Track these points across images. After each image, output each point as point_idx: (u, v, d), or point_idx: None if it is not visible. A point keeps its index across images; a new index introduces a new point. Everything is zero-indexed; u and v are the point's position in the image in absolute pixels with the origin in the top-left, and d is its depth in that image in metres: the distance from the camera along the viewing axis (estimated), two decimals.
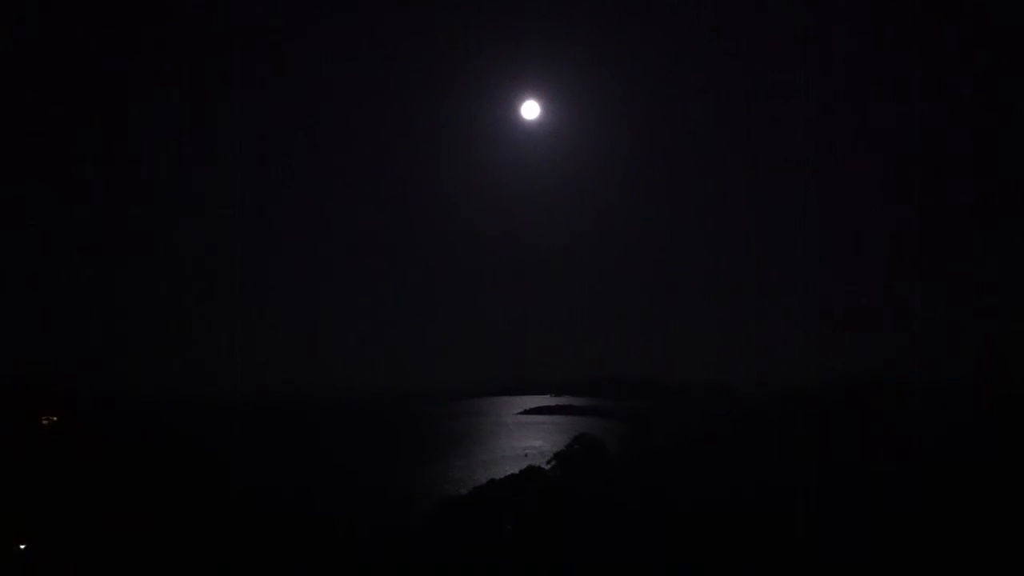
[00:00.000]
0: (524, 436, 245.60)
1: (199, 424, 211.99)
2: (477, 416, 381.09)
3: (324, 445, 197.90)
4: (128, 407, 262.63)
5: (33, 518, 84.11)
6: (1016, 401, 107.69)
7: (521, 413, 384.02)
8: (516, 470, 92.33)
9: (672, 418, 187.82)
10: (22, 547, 74.00)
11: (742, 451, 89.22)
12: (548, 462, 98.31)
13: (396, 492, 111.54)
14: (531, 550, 53.90)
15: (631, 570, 49.57)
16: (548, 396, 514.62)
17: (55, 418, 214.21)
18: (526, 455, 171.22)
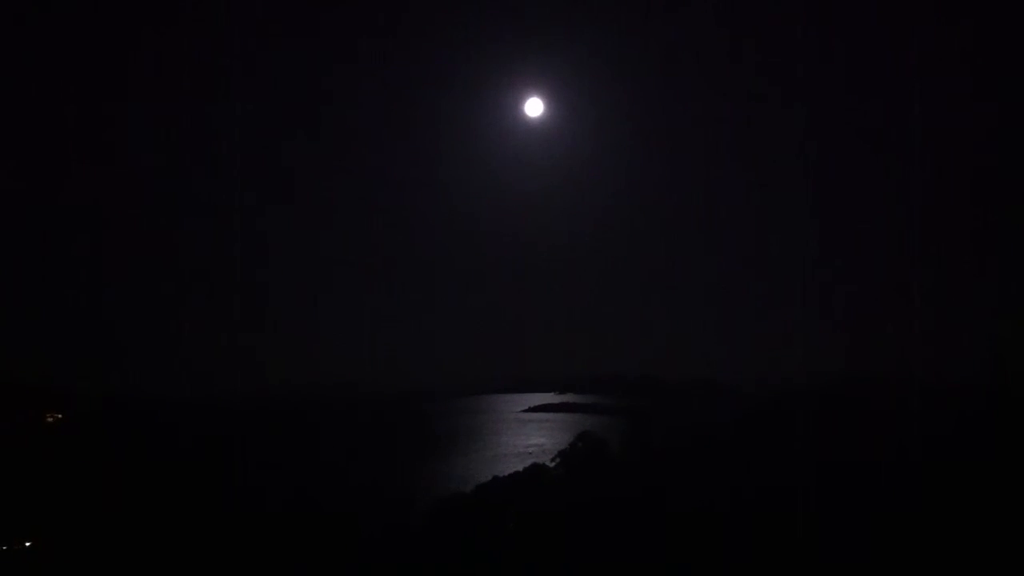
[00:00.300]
0: (528, 434, 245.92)
1: (199, 424, 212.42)
2: (481, 414, 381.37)
3: (326, 444, 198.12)
4: (128, 407, 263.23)
5: (37, 516, 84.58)
6: (1016, 401, 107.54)
7: (524, 411, 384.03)
8: (520, 467, 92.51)
9: (672, 416, 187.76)
10: (27, 544, 74.38)
11: (742, 451, 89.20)
12: (552, 460, 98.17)
13: (399, 490, 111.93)
14: (533, 549, 54.07)
15: (632, 570, 49.74)
16: (552, 394, 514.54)
17: (59, 415, 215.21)
18: (530, 452, 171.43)
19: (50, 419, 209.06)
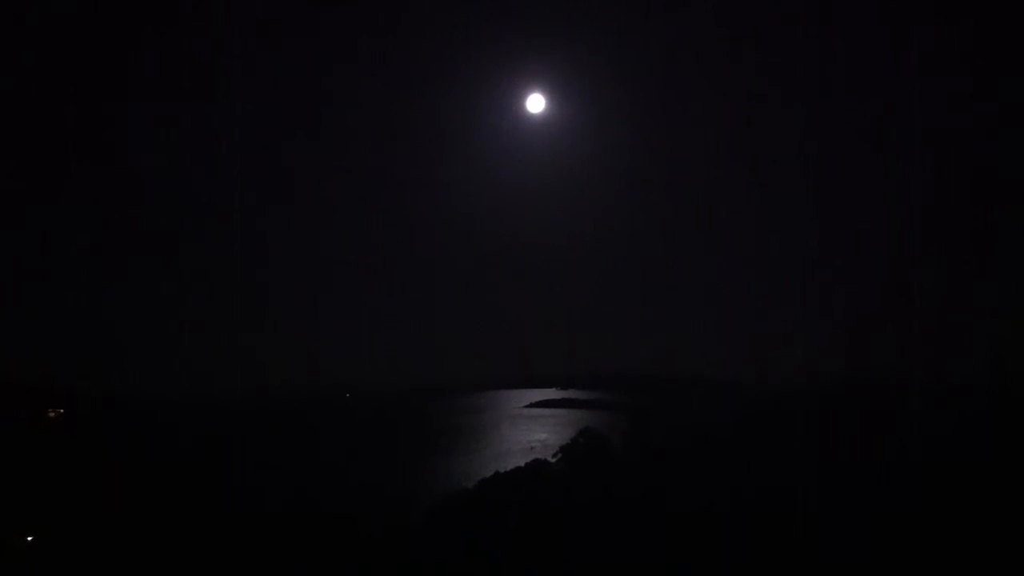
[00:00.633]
0: (530, 429, 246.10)
1: (199, 423, 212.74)
2: (483, 410, 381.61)
3: (327, 443, 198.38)
4: (129, 406, 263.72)
5: (39, 512, 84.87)
6: (1016, 401, 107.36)
7: (527, 406, 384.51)
8: (523, 463, 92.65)
9: (673, 414, 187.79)
10: (28, 540, 74.66)
11: (742, 450, 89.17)
12: (554, 455, 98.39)
13: (401, 487, 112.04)
14: (534, 549, 54.12)
15: (632, 570, 49.79)
16: (553, 389, 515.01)
17: (61, 411, 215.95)
18: (532, 448, 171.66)
19: (52, 414, 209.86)
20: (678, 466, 79.64)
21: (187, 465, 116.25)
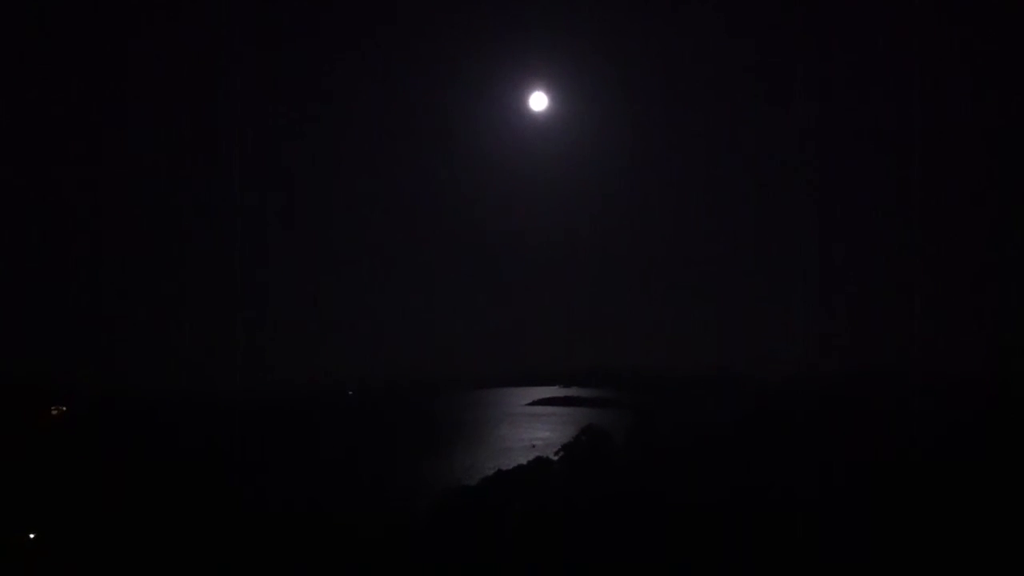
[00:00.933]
0: (532, 427, 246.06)
1: (200, 421, 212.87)
2: (486, 407, 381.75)
3: (329, 440, 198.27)
4: (130, 404, 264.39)
5: (41, 509, 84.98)
6: (1017, 400, 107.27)
7: (530, 404, 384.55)
8: (524, 460, 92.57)
9: (676, 412, 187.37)
10: (31, 536, 74.75)
11: (743, 450, 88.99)
12: (556, 453, 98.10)
13: (405, 484, 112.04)
14: (535, 550, 53.98)
15: (633, 570, 49.67)
16: (556, 387, 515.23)
17: (64, 408, 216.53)
18: (534, 446, 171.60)
19: (55, 412, 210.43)
20: (679, 466, 79.43)
21: (187, 464, 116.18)
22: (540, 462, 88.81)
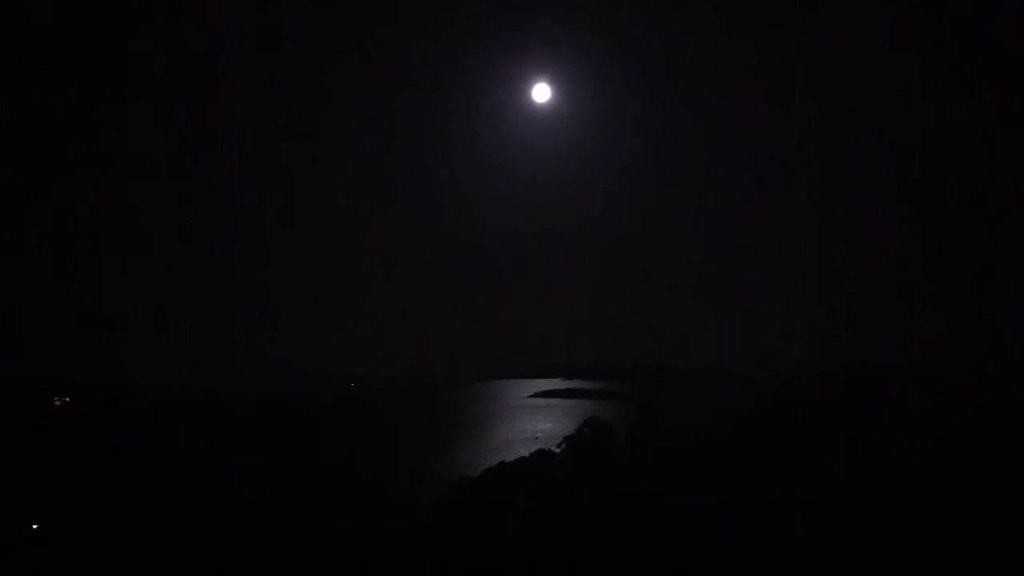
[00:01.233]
0: (534, 419, 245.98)
1: (201, 419, 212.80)
2: (487, 400, 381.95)
3: (330, 434, 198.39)
4: (131, 401, 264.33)
5: (44, 501, 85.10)
6: (1017, 400, 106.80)
7: (531, 396, 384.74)
8: (526, 453, 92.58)
9: (678, 407, 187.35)
10: (34, 527, 74.88)
11: (743, 450, 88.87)
12: (558, 445, 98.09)
13: (407, 478, 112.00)
14: (535, 549, 53.82)
15: (634, 569, 49.49)
16: (559, 379, 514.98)
17: (67, 399, 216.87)
18: (536, 438, 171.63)
19: (58, 402, 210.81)
20: (680, 465, 79.34)
21: (187, 462, 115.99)
22: (543, 454, 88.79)
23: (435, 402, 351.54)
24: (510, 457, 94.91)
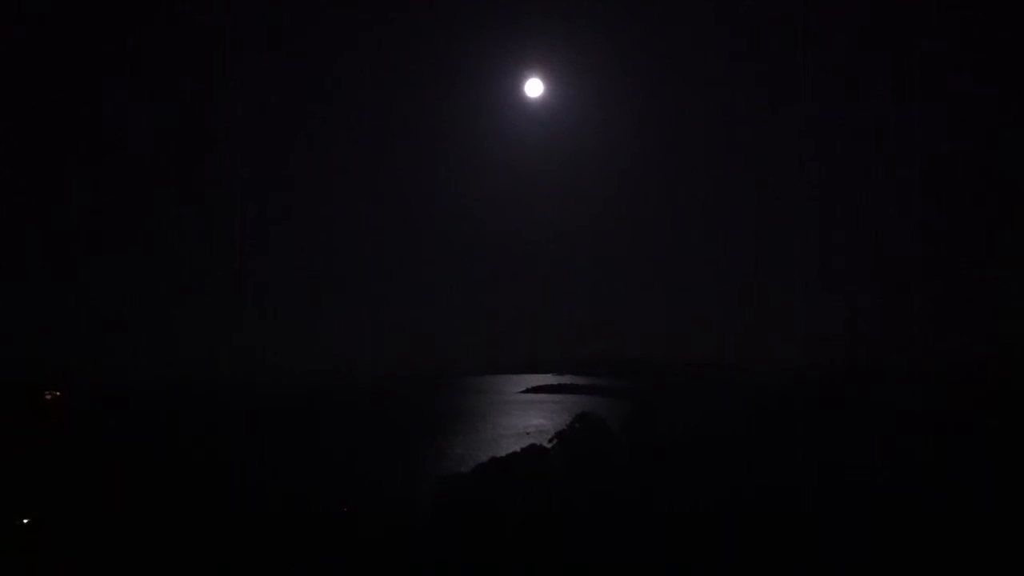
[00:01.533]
0: (527, 414, 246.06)
1: (200, 416, 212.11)
2: (480, 394, 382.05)
3: (329, 427, 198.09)
4: (126, 397, 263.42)
5: (36, 495, 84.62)
6: (1017, 397, 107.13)
7: (524, 391, 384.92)
8: (518, 448, 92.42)
9: (675, 402, 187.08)
10: (25, 521, 74.41)
11: (743, 448, 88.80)
12: (550, 440, 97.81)
13: (403, 474, 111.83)
14: (535, 549, 53.63)
15: (632, 569, 49.32)
16: (551, 375, 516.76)
17: (58, 393, 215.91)
18: (528, 433, 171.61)
19: (49, 396, 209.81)
20: (679, 465, 79.18)
21: (185, 459, 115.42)
22: (534, 449, 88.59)
23: (429, 397, 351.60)
24: (502, 452, 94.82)
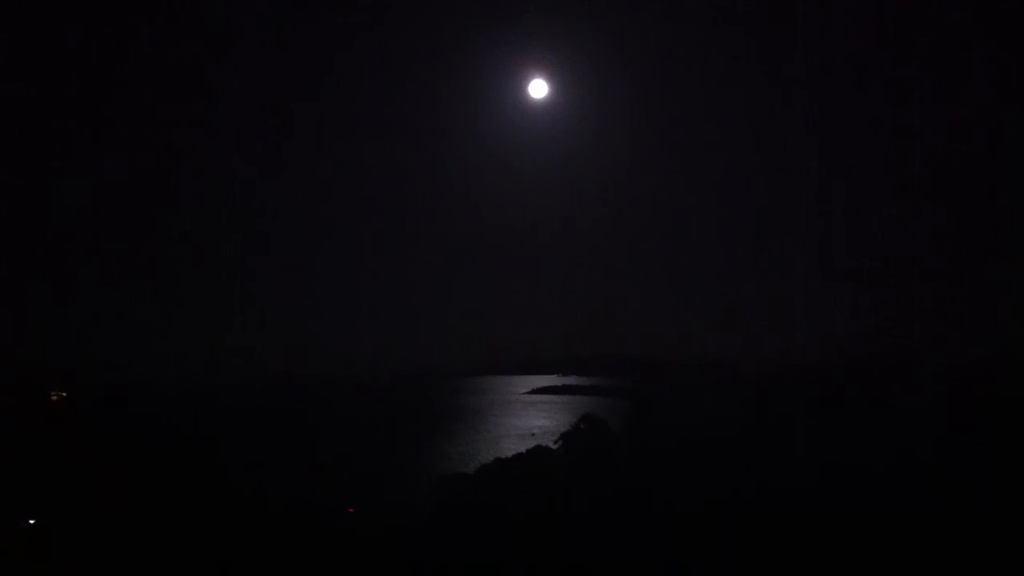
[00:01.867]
0: (531, 415, 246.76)
1: (200, 415, 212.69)
2: (484, 395, 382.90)
3: (330, 427, 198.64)
4: (129, 398, 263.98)
5: (40, 496, 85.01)
6: (1017, 396, 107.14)
7: (527, 392, 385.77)
8: (523, 449, 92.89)
9: (675, 403, 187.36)
10: (31, 522, 74.81)
11: (743, 448, 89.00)
12: (555, 442, 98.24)
13: (403, 475, 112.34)
14: (535, 548, 53.92)
15: (633, 569, 49.63)
16: (555, 376, 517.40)
17: (64, 394, 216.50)
18: (533, 434, 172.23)
19: (55, 397, 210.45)
20: (679, 465, 79.39)
21: (185, 460, 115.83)
22: (539, 450, 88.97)
23: (431, 397, 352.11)
24: (507, 453, 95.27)
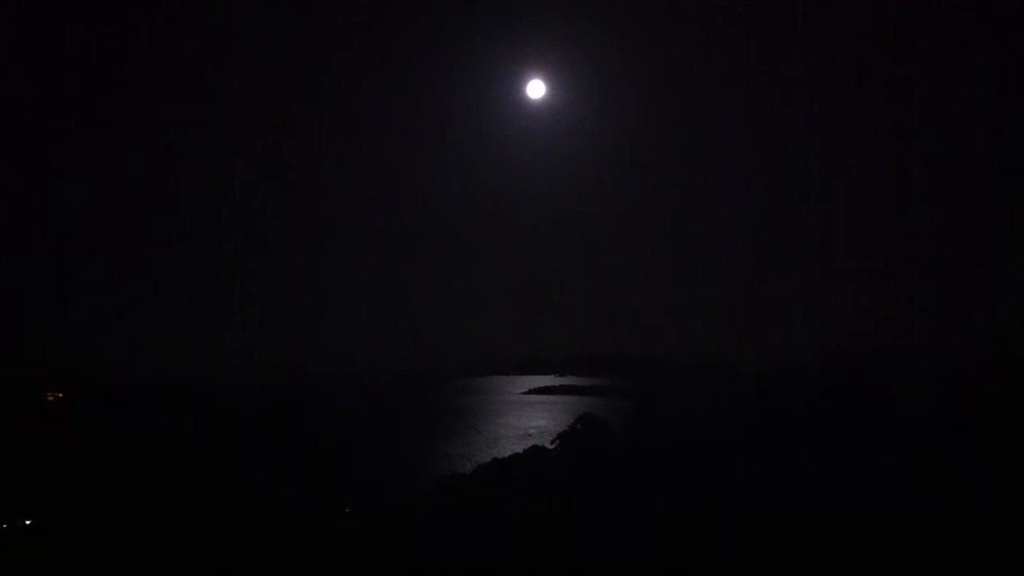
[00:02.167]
0: (529, 415, 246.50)
1: (199, 414, 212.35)
2: (482, 395, 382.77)
3: (328, 427, 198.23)
4: (126, 397, 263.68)
5: (37, 496, 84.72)
6: (1018, 395, 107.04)
7: (525, 392, 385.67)
8: (520, 449, 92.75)
9: (676, 402, 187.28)
10: (27, 523, 74.51)
11: (743, 448, 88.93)
12: (552, 442, 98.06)
13: (401, 475, 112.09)
14: (535, 548, 53.78)
15: (633, 569, 49.46)
16: (553, 376, 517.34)
17: (60, 395, 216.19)
18: (530, 435, 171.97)
19: (51, 397, 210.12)
20: (681, 464, 79.28)
21: (184, 459, 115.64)
22: (536, 450, 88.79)
23: (432, 397, 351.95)
24: (504, 453, 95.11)
